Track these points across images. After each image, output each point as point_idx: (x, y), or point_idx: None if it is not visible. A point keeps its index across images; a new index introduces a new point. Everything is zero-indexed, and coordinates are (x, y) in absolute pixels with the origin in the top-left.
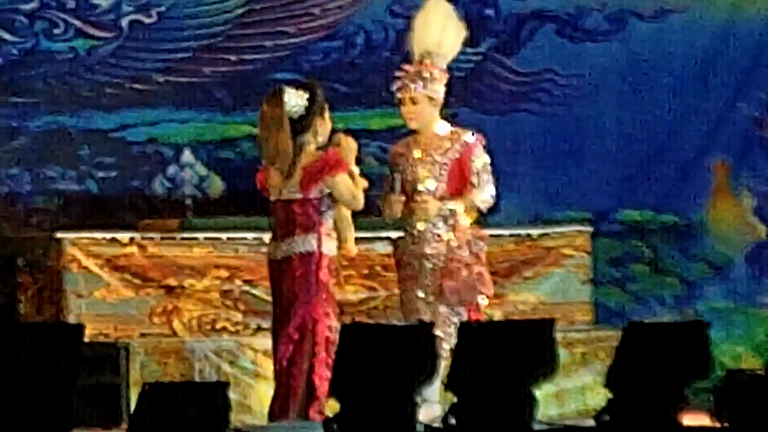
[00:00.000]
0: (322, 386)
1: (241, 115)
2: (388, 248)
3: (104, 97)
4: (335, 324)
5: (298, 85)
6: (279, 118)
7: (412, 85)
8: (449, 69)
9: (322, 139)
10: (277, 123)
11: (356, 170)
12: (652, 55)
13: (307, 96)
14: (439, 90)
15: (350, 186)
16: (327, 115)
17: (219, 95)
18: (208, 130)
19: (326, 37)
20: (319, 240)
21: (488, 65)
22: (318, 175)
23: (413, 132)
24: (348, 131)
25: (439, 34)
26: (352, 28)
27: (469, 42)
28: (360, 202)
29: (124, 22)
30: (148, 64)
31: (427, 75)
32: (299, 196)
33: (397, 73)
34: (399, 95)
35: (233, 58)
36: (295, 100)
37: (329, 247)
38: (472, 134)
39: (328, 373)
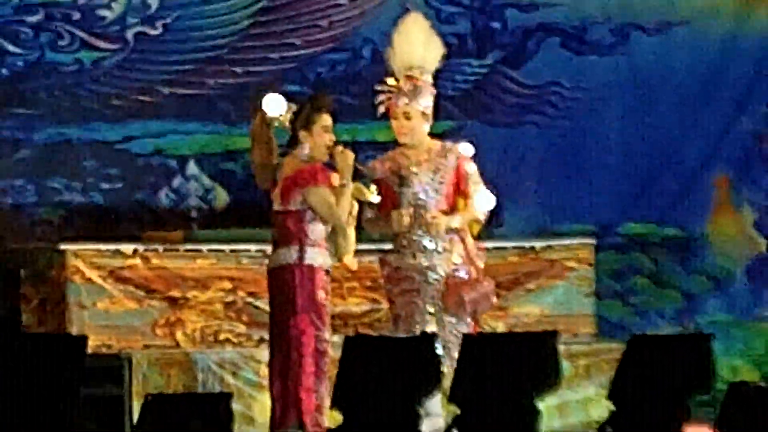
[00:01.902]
0: (309, 399)
1: (247, 127)
2: None
3: (109, 109)
4: (326, 335)
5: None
6: (256, 127)
7: (406, 100)
8: (454, 81)
9: (308, 152)
10: (253, 134)
11: (350, 183)
12: (656, 68)
13: (289, 106)
14: (430, 105)
15: (326, 199)
16: (316, 129)
17: (224, 107)
18: (213, 142)
19: (333, 49)
20: (302, 251)
21: (494, 77)
22: (293, 187)
23: (396, 146)
24: (355, 143)
25: (422, 49)
26: (359, 40)
27: (476, 54)
28: (338, 217)
29: (130, 34)
30: (154, 75)
31: (419, 90)
32: (281, 207)
33: (382, 87)
34: (384, 110)
35: (239, 70)
36: (272, 105)
37: (316, 258)
38: (464, 147)
39: (318, 386)
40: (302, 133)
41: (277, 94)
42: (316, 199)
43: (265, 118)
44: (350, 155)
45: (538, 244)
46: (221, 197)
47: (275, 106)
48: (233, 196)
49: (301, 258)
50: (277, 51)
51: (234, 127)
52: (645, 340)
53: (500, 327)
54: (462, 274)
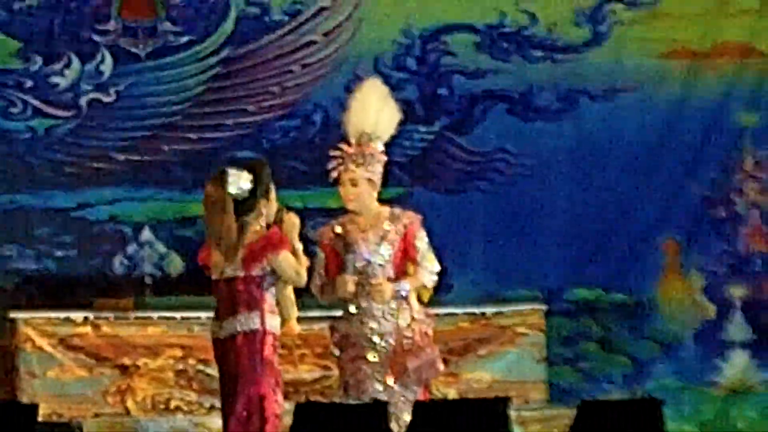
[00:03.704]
0: None
1: (201, 193)
2: None
3: (63, 176)
4: (281, 400)
5: (243, 166)
6: (222, 200)
7: (353, 167)
8: (402, 147)
9: (265, 218)
10: (221, 206)
11: (299, 247)
12: (603, 134)
13: (251, 178)
14: (378, 172)
15: (293, 263)
16: (272, 195)
17: (179, 173)
18: (167, 209)
19: (285, 115)
20: (262, 317)
21: (441, 144)
22: (261, 253)
23: (346, 212)
24: (306, 210)
25: (376, 115)
26: (311, 106)
27: (423, 120)
28: (304, 279)
29: (83, 101)
30: (108, 142)
31: (367, 157)
32: (242, 273)
33: (334, 153)
34: (336, 175)
35: (193, 136)
36: (239, 183)
37: (273, 324)
38: (411, 214)
39: None
40: (263, 201)
41: (238, 170)
42: (285, 264)
43: (228, 188)
44: (297, 218)
45: (489, 309)
46: (176, 264)
47: (240, 182)
48: (188, 262)
49: (263, 324)
50: (230, 117)
51: (189, 194)
52: (595, 406)
53: (451, 393)
54: (408, 341)
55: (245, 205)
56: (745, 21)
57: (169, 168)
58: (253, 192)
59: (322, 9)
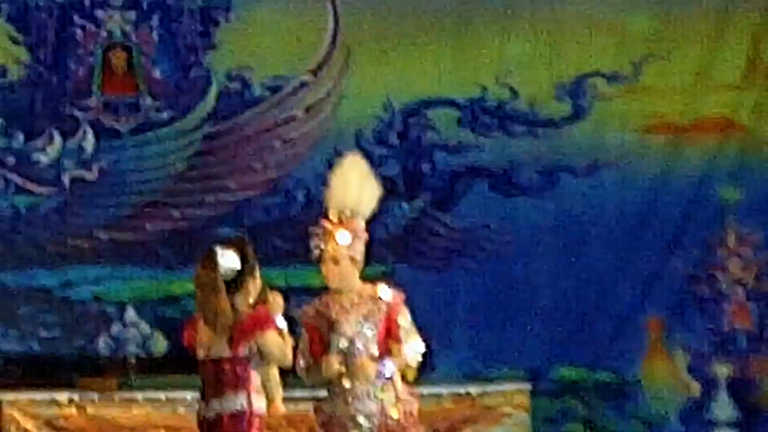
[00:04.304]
0: None
1: (185, 271)
2: None
3: (46, 255)
4: None
5: (228, 244)
6: (214, 280)
7: (334, 244)
8: (384, 224)
9: (252, 297)
10: (213, 286)
11: (284, 326)
12: (585, 210)
13: (238, 257)
14: (360, 250)
15: (280, 343)
16: (257, 273)
17: (162, 252)
18: (151, 288)
19: (267, 192)
20: (249, 398)
21: (424, 220)
22: (248, 332)
23: (329, 291)
24: (288, 289)
25: (357, 192)
26: (293, 182)
27: (406, 196)
28: (289, 359)
29: (66, 178)
30: (91, 220)
31: (350, 234)
32: (229, 354)
33: (315, 230)
34: (318, 253)
35: (176, 213)
36: (228, 262)
37: (259, 404)
38: (394, 292)
39: None
40: (250, 280)
41: (225, 249)
42: (272, 344)
43: (218, 267)
44: (281, 298)
45: (474, 389)
46: (160, 344)
47: (229, 261)
48: (172, 342)
49: (249, 404)
50: (212, 194)
51: (172, 272)
52: None
53: None
54: (393, 421)
55: (234, 284)
56: (726, 95)
57: (152, 246)
58: (240, 271)
59: (303, 84)
